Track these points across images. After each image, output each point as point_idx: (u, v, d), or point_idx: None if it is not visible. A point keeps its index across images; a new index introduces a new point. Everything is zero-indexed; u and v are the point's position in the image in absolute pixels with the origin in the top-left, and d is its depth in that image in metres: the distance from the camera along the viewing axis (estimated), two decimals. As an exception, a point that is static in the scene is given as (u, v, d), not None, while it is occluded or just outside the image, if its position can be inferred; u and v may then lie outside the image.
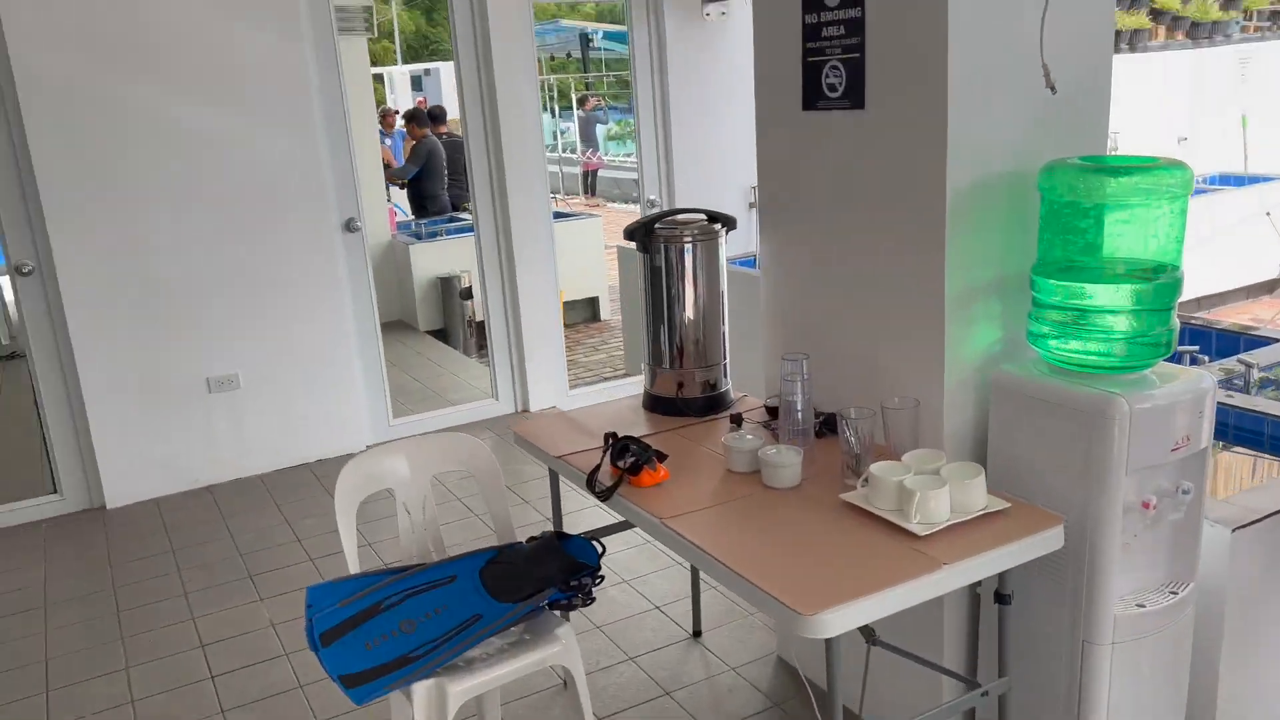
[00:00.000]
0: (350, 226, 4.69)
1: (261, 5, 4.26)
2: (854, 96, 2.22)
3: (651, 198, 5.47)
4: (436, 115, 8.17)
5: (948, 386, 2.16)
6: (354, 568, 2.26)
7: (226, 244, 4.38)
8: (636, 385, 5.99)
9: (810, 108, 2.36)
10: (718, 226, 2.64)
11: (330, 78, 4.53)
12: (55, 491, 4.34)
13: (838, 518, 1.98)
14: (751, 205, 5.63)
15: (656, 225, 2.62)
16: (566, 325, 6.62)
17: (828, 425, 2.39)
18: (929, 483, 1.94)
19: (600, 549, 2.32)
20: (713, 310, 2.65)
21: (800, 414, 2.23)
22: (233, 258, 4.41)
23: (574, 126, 16.76)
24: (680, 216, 2.67)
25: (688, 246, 2.60)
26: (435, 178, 8.06)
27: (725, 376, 2.69)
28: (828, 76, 2.28)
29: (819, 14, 2.28)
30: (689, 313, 2.63)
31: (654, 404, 2.72)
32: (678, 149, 5.40)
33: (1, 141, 3.98)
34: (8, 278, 4.21)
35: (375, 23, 8.23)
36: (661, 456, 2.23)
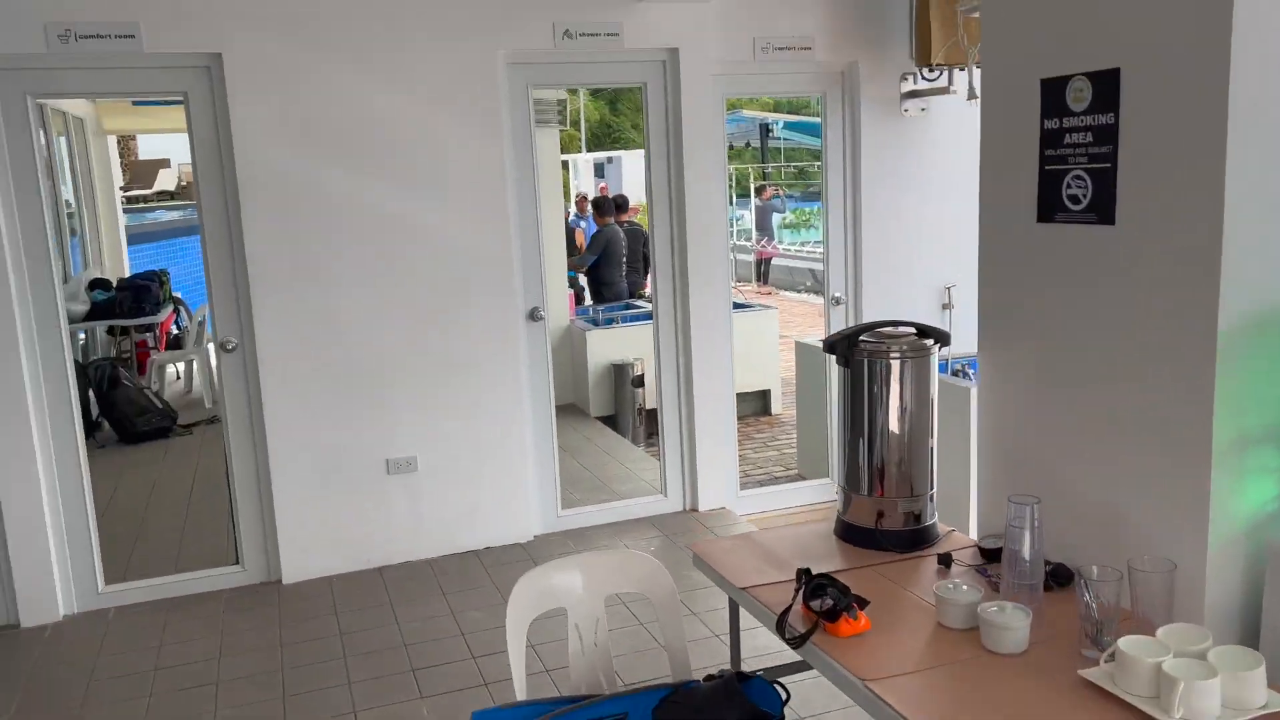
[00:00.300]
0: (534, 315, 4.70)
1: (467, 101, 4.38)
2: (1101, 211, 1.98)
3: (837, 295, 5.26)
4: (620, 204, 8.29)
5: (1211, 549, 1.84)
6: (521, 694, 2.11)
7: (416, 328, 4.46)
8: (810, 490, 5.83)
9: (1047, 220, 2.13)
10: (929, 343, 2.41)
11: (525, 169, 4.60)
12: (237, 563, 4.45)
13: (1075, 699, 1.68)
14: (945, 306, 5.33)
15: (861, 338, 2.42)
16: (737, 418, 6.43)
17: (1056, 577, 2.09)
18: (1195, 670, 1.62)
19: (784, 695, 2.08)
20: (920, 435, 2.41)
21: (1028, 566, 1.95)
22: (421, 342, 4.48)
23: (750, 214, 16.78)
24: (886, 329, 2.46)
25: (894, 363, 2.38)
26: (613, 265, 8.13)
27: (932, 509, 2.43)
28: (1069, 187, 2.05)
29: (1061, 119, 2.06)
30: (893, 436, 2.40)
31: (848, 533, 2.48)
32: (867, 246, 5.19)
33: (220, 224, 4.20)
34: (214, 348, 4.40)
35: (568, 115, 8.49)
36: (862, 603, 1.99)
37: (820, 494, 5.42)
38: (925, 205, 5.23)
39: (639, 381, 7.19)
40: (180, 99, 4.08)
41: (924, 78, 5.03)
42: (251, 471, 4.40)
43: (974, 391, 3.86)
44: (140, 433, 7.24)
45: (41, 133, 7.78)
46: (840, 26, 4.97)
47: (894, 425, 2.40)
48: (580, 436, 6.92)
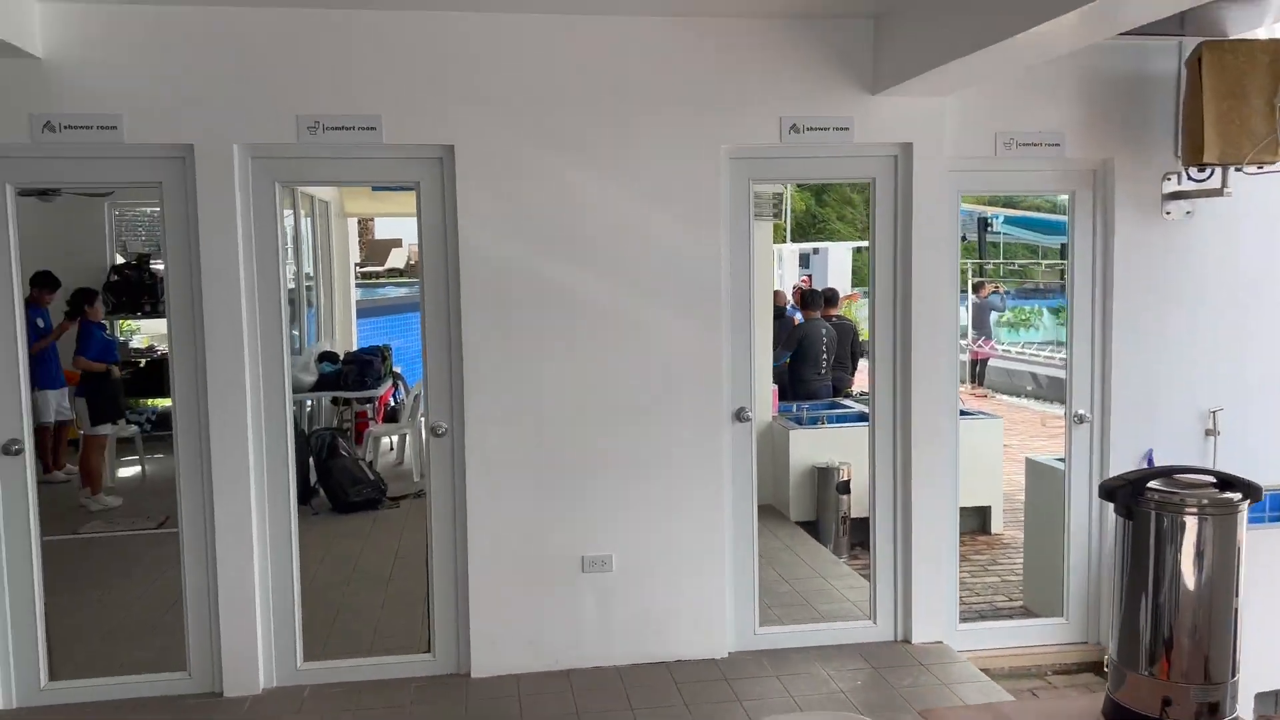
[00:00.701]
0: (740, 416, 4.47)
1: (686, 195, 4.29)
2: None
3: (1080, 412, 4.72)
4: (829, 298, 8.00)
5: None
6: None
7: (620, 423, 4.33)
8: (1040, 630, 5.14)
9: None
10: (1236, 498, 1.99)
11: (740, 264, 4.44)
12: (429, 650, 4.39)
13: None
14: (1209, 433, 4.69)
15: (1149, 486, 2.03)
16: (955, 538, 5.90)
17: None
18: None
19: None
20: (1221, 610, 1.97)
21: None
22: (624, 437, 4.34)
23: (965, 311, 16.03)
24: (1181, 477, 2.06)
25: (1191, 520, 1.97)
26: (810, 362, 7.80)
27: (1232, 701, 1.98)
28: None
29: None
30: (1186, 608, 1.98)
31: (1121, 717, 2.06)
32: (1118, 359, 4.66)
33: (440, 310, 4.26)
34: (425, 431, 4.42)
35: (783, 207, 8.35)
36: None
37: (1051, 635, 4.83)
38: (1188, 318, 4.67)
39: (844, 487, 6.79)
40: (413, 186, 4.20)
41: (1191, 178, 4.51)
42: (450, 557, 4.36)
43: None
44: (351, 503, 7.50)
45: (290, 214, 8.42)
46: (1094, 121, 4.56)
47: (1188, 595, 1.98)
48: (779, 542, 6.56)
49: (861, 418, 7.76)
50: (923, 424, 4.54)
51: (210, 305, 4.02)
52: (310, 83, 4.01)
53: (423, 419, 7.74)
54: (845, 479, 6.79)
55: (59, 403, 7.98)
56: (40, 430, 8.10)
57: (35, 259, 8.74)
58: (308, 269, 9.84)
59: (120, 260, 9.99)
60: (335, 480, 7.44)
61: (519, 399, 4.26)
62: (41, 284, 7.93)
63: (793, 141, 4.32)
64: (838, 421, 7.40)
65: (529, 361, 4.26)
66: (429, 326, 4.27)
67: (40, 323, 7.91)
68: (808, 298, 8.33)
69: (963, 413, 7.39)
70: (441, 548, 4.37)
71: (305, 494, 7.53)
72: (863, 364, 7.01)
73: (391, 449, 9.40)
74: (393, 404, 9.83)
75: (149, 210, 9.90)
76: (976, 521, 7.16)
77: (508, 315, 4.23)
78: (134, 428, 8.38)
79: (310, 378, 8.14)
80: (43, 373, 7.88)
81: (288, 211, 8.57)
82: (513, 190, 4.18)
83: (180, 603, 4.18)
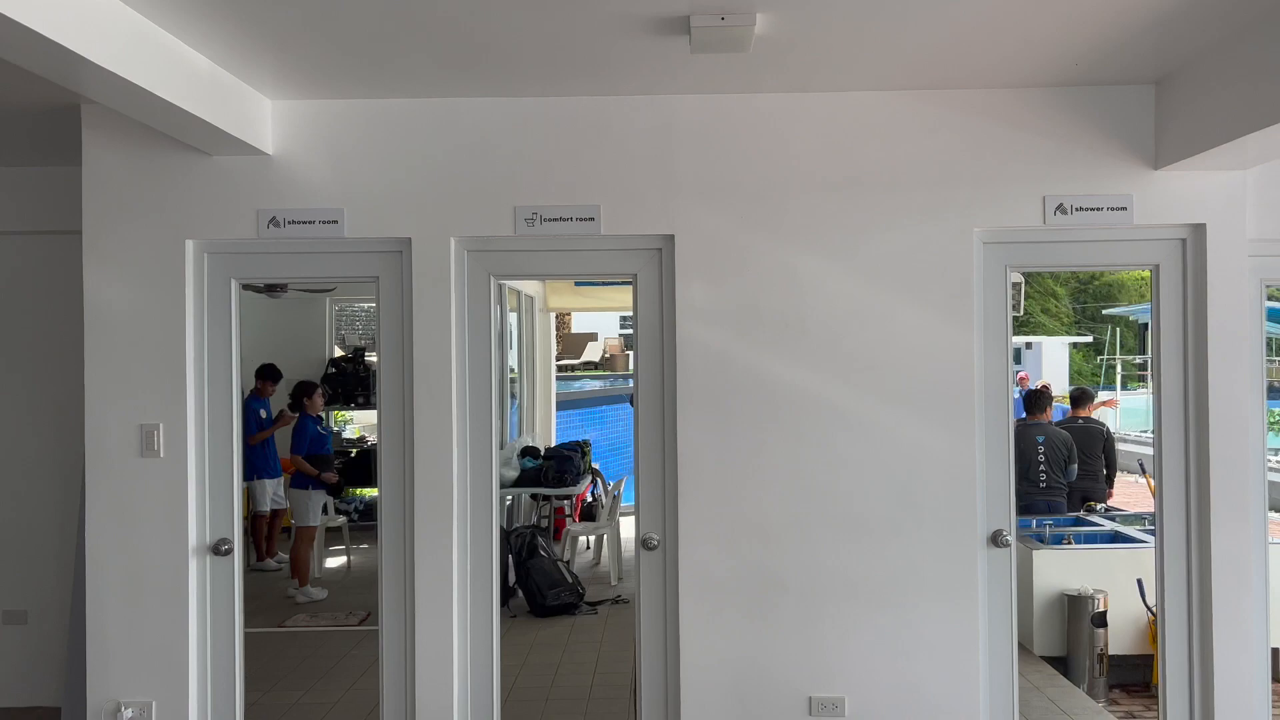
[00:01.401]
0: (999, 540, 3.84)
1: (931, 285, 3.80)
2: None
3: None
4: (1077, 398, 7.14)
5: None
6: None
7: (852, 543, 3.80)
8: None
9: None
10: None
11: (997, 363, 3.87)
12: (634, 790, 3.93)
13: None
14: None
15: None
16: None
17: None
18: None
19: None
20: None
21: None
22: (855, 562, 3.80)
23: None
24: None
25: None
26: (1026, 471, 6.90)
27: None
28: None
29: None
30: None
31: None
32: None
33: (653, 415, 3.91)
34: (624, 535, 4.04)
35: (1021, 298, 7.63)
36: None
37: None
38: None
39: (1100, 620, 5.87)
40: (630, 279, 3.92)
41: None
42: (660, 685, 3.91)
43: None
44: (549, 606, 7.22)
45: (498, 309, 8.46)
46: None
47: None
48: (1025, 682, 5.71)
49: (1115, 538, 6.84)
50: (1225, 551, 3.76)
51: (420, 397, 3.85)
52: (528, 174, 3.84)
53: (621, 519, 7.39)
54: (1102, 609, 5.88)
55: (275, 491, 8.20)
56: (256, 518, 8.36)
57: (261, 352, 9.23)
58: (512, 363, 9.92)
59: (338, 353, 10.42)
60: (534, 581, 7.18)
61: (738, 510, 3.82)
62: (265, 375, 8.25)
63: (1059, 223, 3.76)
64: (1086, 542, 6.51)
65: (750, 468, 3.82)
66: (643, 427, 3.93)
67: (263, 413, 8.21)
68: (1034, 399, 7.48)
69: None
70: (651, 674, 3.93)
71: (503, 594, 7.32)
72: (1124, 476, 6.17)
73: (588, 548, 9.12)
74: (590, 500, 9.62)
75: (366, 305, 10.32)
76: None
77: (728, 416, 3.83)
78: (342, 518, 8.50)
79: (512, 473, 8.02)
80: (260, 462, 8.13)
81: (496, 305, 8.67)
82: (736, 281, 3.83)
83: (378, 712, 3.93)
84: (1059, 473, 7.05)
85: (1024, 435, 6.97)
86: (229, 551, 3.91)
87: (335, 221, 3.85)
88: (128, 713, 3.81)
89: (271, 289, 8.47)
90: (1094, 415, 8.03)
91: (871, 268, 3.81)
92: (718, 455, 3.83)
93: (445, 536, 3.86)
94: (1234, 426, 3.77)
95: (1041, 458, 7.06)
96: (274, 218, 3.84)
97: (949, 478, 3.80)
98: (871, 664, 3.80)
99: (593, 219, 3.82)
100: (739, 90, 3.79)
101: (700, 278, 3.83)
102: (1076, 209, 3.75)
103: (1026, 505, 7.02)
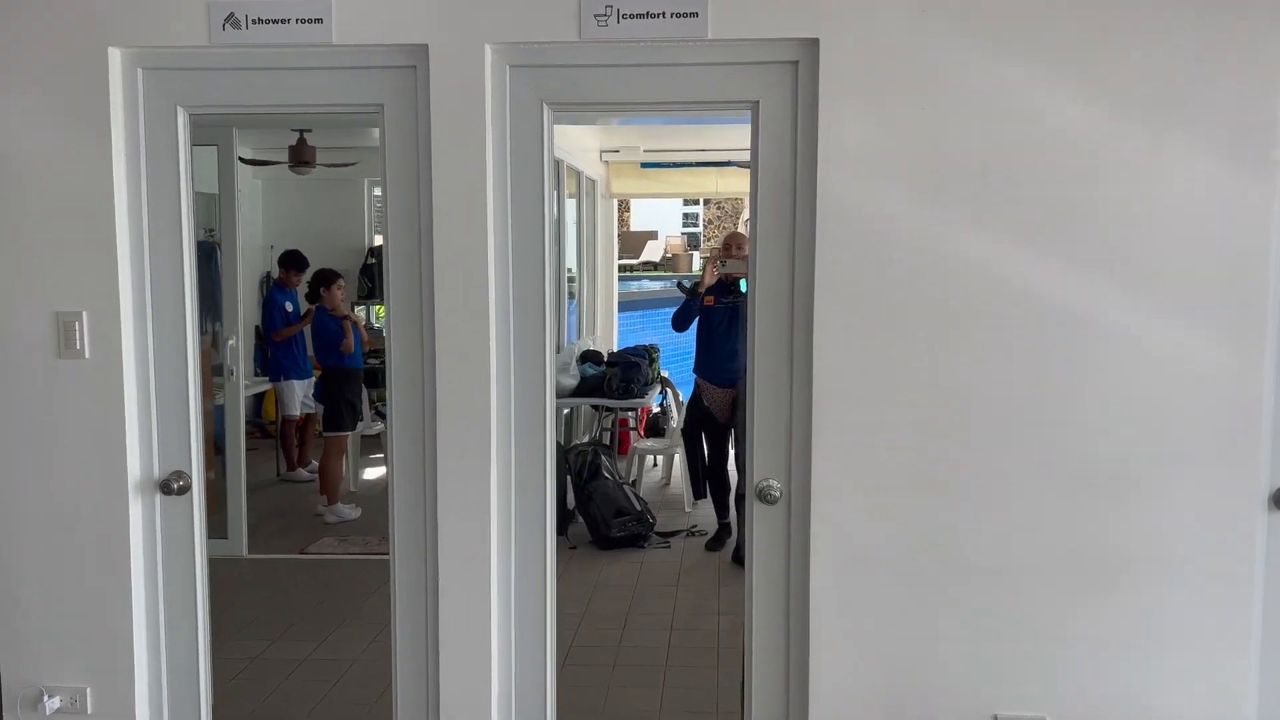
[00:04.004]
0: (1290, 503, 2.60)
1: (1214, 113, 2.48)
2: None
3: None
4: None
5: None
6: None
7: (1063, 501, 2.60)
8: None
9: None
10: None
11: (1303, 241, 2.56)
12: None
13: None
14: None
15: None
16: None
17: None
18: None
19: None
20: None
21: None
22: (1072, 529, 2.60)
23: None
24: None
25: None
26: None
27: None
28: None
29: None
30: None
31: None
32: None
33: (775, 311, 2.70)
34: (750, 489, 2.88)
35: None
36: None
37: None
38: None
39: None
40: (747, 108, 2.65)
41: None
42: (780, 691, 2.79)
43: None
44: (613, 538, 6.17)
45: (556, 194, 7.21)
46: None
47: None
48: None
49: None
50: None
51: (443, 275, 2.67)
52: (599, -53, 2.56)
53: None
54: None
55: (305, 394, 7.21)
56: (285, 423, 7.39)
57: (291, 239, 8.12)
58: (570, 256, 8.69)
59: (378, 242, 9.28)
60: (597, 508, 6.12)
61: (900, 453, 2.63)
62: (289, 264, 7.15)
63: None
64: None
65: (921, 393, 2.61)
66: (760, 331, 2.71)
67: (289, 306, 7.15)
68: None
69: None
70: (766, 677, 2.80)
71: (561, 522, 6.28)
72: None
73: (655, 465, 8.02)
74: (656, 409, 8.50)
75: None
76: None
77: (890, 317, 2.60)
78: (380, 424, 7.44)
79: (571, 381, 6.89)
80: (289, 361, 7.11)
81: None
82: (910, 110, 2.55)
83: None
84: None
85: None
86: (185, 490, 2.83)
87: (319, 21, 2.63)
88: (53, 702, 2.81)
89: (298, 161, 7.30)
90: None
91: (1123, 90, 2.50)
92: (873, 373, 2.61)
93: (483, 464, 2.71)
94: None
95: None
96: (232, 14, 2.63)
97: (1224, 414, 2.55)
98: (1087, 671, 2.63)
99: (696, 14, 2.55)
100: None
101: (857, 105, 2.55)
102: None
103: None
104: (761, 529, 2.77)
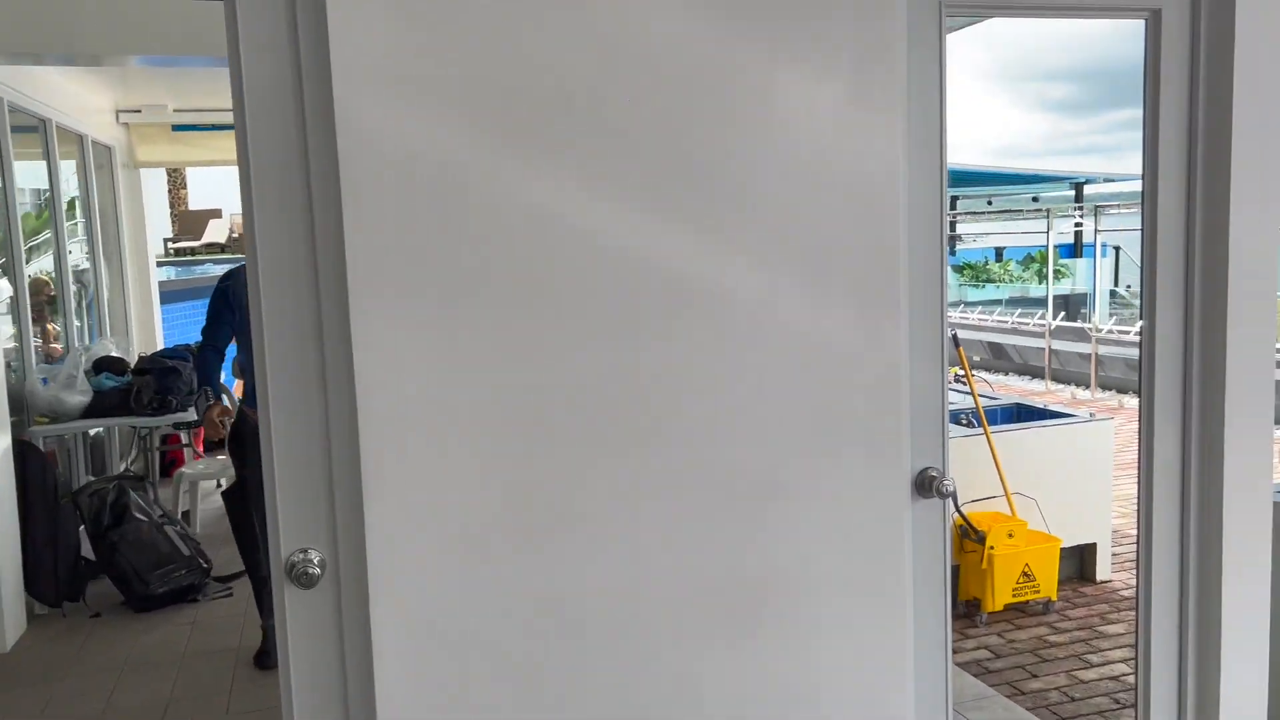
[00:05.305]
0: (925, 485, 2.23)
1: (838, 37, 2.00)
2: None
3: None
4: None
5: None
6: None
7: (696, 524, 2.03)
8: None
9: None
10: None
11: (931, 175, 2.18)
12: None
13: None
14: None
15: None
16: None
17: None
18: None
19: None
20: None
21: None
22: (704, 551, 2.05)
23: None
24: None
25: None
26: None
27: None
28: None
29: None
30: None
31: None
32: None
33: (297, 292, 1.84)
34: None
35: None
36: None
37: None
38: None
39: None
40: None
41: None
42: None
43: None
44: (156, 595, 4.88)
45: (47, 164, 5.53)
46: None
47: None
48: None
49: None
50: None
51: None
52: None
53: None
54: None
55: None
56: None
57: None
58: (75, 245, 6.91)
59: None
60: (126, 560, 4.80)
61: (484, 484, 1.90)
62: None
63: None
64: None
65: (508, 400, 1.90)
66: (270, 344, 1.83)
67: None
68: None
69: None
70: None
71: (75, 590, 4.87)
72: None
73: (219, 487, 6.65)
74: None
75: None
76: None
77: (458, 302, 1.85)
78: None
79: (80, 398, 5.41)
80: None
81: (31, 158, 5.72)
82: (448, 17, 1.80)
83: None
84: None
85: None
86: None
87: None
88: None
89: None
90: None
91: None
92: (440, 382, 1.85)
93: None
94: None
95: None
96: None
97: (863, 393, 2.11)
98: (740, 690, 2.11)
99: None
100: None
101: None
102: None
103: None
104: (296, 612, 1.90)
